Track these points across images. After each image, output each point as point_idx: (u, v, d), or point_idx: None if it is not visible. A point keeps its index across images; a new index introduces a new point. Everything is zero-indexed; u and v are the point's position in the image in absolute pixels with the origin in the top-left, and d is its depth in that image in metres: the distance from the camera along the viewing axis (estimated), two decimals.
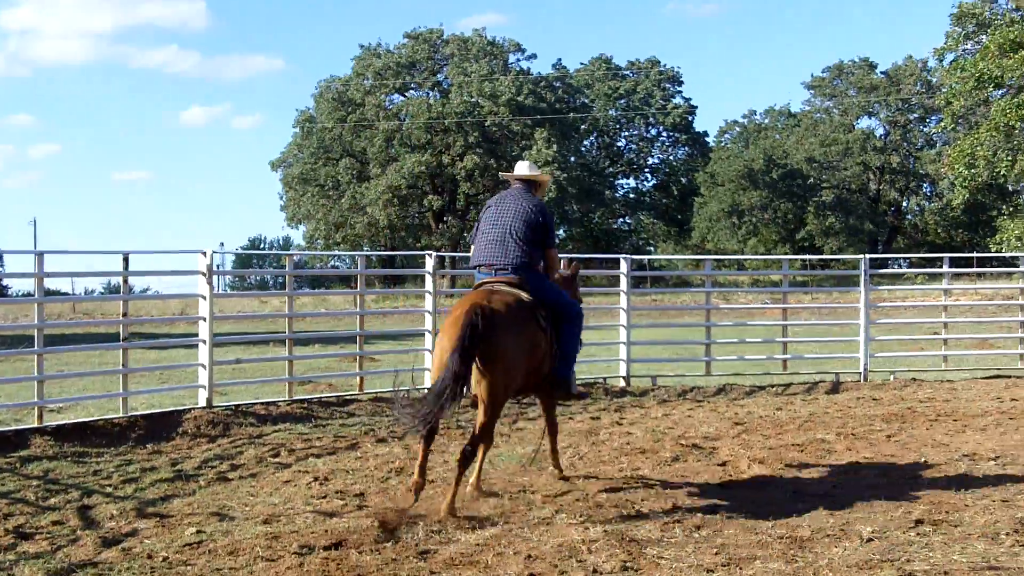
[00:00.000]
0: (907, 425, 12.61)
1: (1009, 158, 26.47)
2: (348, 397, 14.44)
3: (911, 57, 69.72)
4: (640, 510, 8.25)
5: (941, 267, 19.63)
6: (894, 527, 7.59)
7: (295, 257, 15.55)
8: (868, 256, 18.05)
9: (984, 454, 10.52)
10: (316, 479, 9.47)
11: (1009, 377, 17.54)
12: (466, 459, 8.09)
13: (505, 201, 9.18)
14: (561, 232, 71.22)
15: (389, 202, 59.10)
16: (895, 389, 16.35)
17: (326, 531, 7.58)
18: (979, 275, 36.77)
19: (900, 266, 59.78)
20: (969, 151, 26.55)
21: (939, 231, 68.97)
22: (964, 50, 29.57)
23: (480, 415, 8.34)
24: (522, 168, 9.52)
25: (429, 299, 15.24)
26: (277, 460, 10.57)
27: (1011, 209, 42.33)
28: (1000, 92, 27.10)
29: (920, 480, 9.30)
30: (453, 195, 62.63)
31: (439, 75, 64.42)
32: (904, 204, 73.43)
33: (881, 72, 71.01)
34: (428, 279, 15.32)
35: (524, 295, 8.71)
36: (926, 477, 9.43)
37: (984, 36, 27.59)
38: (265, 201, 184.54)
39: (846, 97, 71.79)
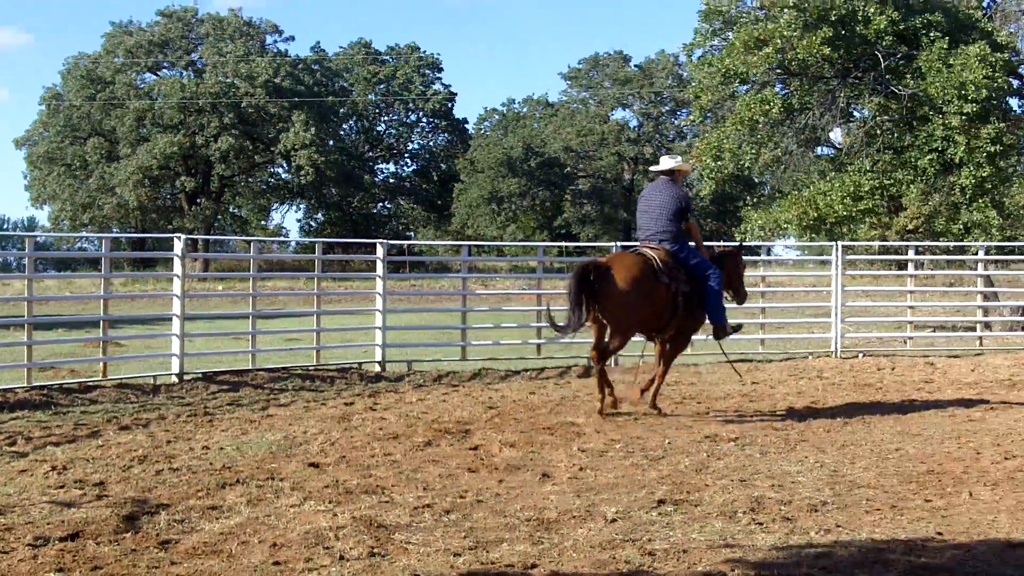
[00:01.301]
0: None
1: (753, 151, 27.43)
2: (91, 383, 13.88)
3: (663, 51, 71.89)
4: (391, 496, 8.17)
5: None
6: (637, 507, 7.75)
7: (39, 238, 14.84)
8: (619, 244, 18.48)
9: (725, 435, 10.87)
10: (54, 468, 9.01)
11: (751, 361, 18.24)
12: (602, 357, 12.05)
13: (656, 188, 12.27)
14: (320, 216, 70.55)
15: (140, 183, 57.18)
16: (645, 372, 16.74)
17: (62, 522, 7.24)
18: None
19: None
20: (716, 144, 27.36)
21: None
22: (712, 46, 30.50)
23: (611, 339, 11.88)
24: (667, 162, 12.38)
25: (177, 282, 14.78)
26: (13, 449, 10.03)
27: (755, 200, 44.12)
28: (745, 87, 28.07)
29: (664, 461, 9.52)
30: (207, 177, 61.13)
31: (193, 55, 62.74)
32: None
33: (635, 65, 72.91)
34: (177, 262, 14.85)
35: (656, 256, 11.78)
36: (670, 458, 9.66)
37: (730, 33, 28.53)
38: (8, 180, 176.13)
39: (601, 88, 73.41)
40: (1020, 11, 37.04)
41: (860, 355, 18.79)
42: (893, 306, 22.61)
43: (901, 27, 25.11)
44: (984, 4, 34.55)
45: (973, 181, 23.39)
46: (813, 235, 25.21)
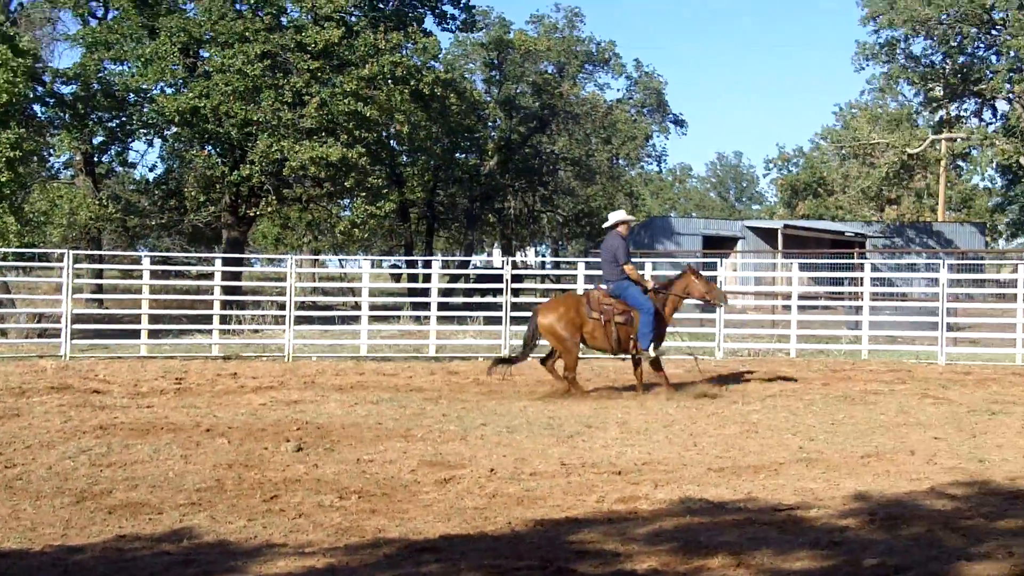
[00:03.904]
0: None
1: None
2: None
3: None
4: None
5: None
6: None
7: None
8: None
9: None
10: None
11: None
12: (565, 378, 14.86)
13: (604, 241, 15.36)
14: None
15: None
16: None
17: None
18: None
19: None
20: None
21: None
22: None
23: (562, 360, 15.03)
24: (612, 217, 15.36)
25: None
26: None
27: None
28: None
29: None
30: None
31: None
32: None
33: None
34: None
35: (593, 296, 15.02)
36: None
37: None
38: None
39: None
40: (46, 18, 36.99)
41: None
42: None
43: None
44: (10, 8, 33.96)
45: None
46: None
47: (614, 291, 14.92)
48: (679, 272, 15.98)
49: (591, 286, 18.62)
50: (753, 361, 20.14)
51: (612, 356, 15.77)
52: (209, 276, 25.33)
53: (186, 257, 31.79)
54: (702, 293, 15.42)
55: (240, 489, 8.71)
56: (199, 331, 22.80)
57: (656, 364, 15.15)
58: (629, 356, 15.48)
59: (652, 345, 14.86)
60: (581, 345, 15.06)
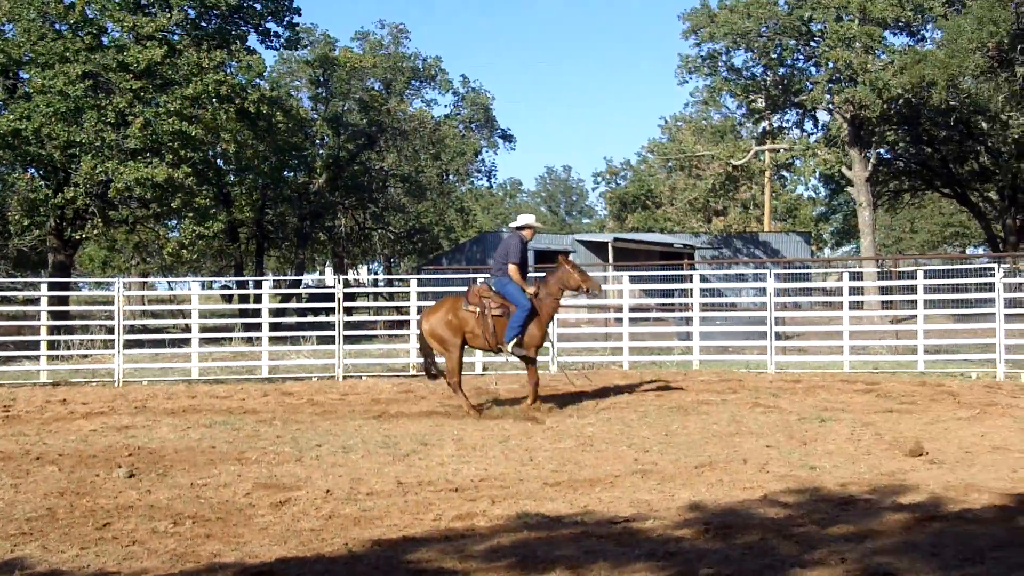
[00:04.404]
0: None
1: None
2: None
3: None
4: None
5: None
6: None
7: None
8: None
9: None
10: None
11: None
12: (443, 377, 15.45)
13: (506, 238, 15.62)
14: None
15: None
16: None
17: None
18: None
19: None
20: None
21: None
22: None
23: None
24: (520, 220, 15.69)
25: None
26: None
27: None
28: None
29: None
30: None
31: None
32: None
33: None
34: None
35: (473, 291, 15.28)
36: None
37: None
38: None
39: None
40: None
41: None
42: None
43: None
44: None
45: None
46: None
47: (495, 285, 15.18)
48: (554, 265, 15.94)
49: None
50: (587, 374, 20.39)
51: (493, 352, 15.63)
52: (35, 301, 24.56)
53: (11, 282, 30.77)
54: (578, 282, 15.33)
55: (72, 517, 8.51)
56: (26, 357, 22.09)
57: (528, 361, 15.37)
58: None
59: (515, 341, 14.91)
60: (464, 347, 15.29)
